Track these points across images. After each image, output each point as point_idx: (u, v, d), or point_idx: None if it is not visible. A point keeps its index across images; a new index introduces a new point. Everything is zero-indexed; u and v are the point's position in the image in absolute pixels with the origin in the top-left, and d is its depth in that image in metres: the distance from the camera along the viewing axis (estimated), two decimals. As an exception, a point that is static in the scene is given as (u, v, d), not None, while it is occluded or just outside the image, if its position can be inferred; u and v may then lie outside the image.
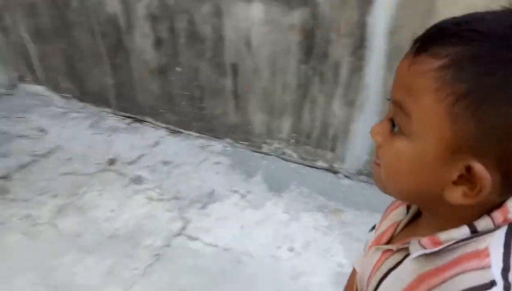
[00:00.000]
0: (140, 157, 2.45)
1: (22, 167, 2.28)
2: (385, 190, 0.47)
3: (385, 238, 0.54)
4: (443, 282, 0.40)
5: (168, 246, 1.80)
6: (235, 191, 2.18)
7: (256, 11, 2.04)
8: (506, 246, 0.39)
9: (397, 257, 0.48)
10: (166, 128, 2.75)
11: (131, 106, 2.80)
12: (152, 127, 2.77)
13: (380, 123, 0.45)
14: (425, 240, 0.43)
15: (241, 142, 2.53)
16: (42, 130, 2.66)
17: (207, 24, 2.20)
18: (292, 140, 2.36)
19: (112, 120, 2.83)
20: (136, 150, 2.51)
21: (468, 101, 0.35)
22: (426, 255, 0.43)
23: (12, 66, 3.11)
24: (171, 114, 2.68)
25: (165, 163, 2.42)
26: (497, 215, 0.39)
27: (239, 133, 2.52)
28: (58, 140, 2.55)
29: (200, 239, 1.84)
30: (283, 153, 2.44)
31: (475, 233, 0.40)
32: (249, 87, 2.30)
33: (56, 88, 3.04)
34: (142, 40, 2.45)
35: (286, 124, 2.32)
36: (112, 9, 2.42)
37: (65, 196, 2.07)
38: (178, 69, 2.45)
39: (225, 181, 2.26)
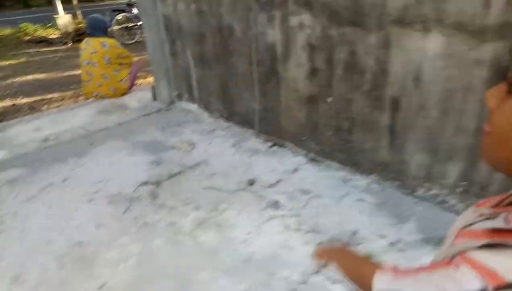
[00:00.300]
0: (278, 182, 2.36)
1: (171, 176, 2.42)
2: (489, 161, 0.47)
3: (487, 204, 0.53)
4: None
5: (305, 283, 1.61)
6: (383, 236, 1.87)
7: (433, 44, 1.78)
8: None
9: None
10: (306, 155, 2.64)
11: (274, 130, 2.78)
12: (292, 153, 2.68)
13: (497, 86, 0.45)
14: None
15: (391, 181, 2.23)
16: (191, 144, 2.83)
17: (370, 56, 2.03)
18: (459, 189, 1.95)
19: (253, 141, 2.86)
20: (275, 174, 2.43)
21: None
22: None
23: (174, 86, 3.47)
24: (313, 142, 2.56)
25: (304, 191, 2.27)
26: None
27: (389, 171, 2.22)
28: (204, 155, 2.66)
29: (342, 283, 1.60)
30: (444, 201, 2.04)
31: None
32: (411, 125, 2.01)
33: (207, 107, 3.25)
34: (296, 69, 2.42)
35: (453, 170, 1.94)
36: (272, 38, 2.47)
37: (206, 210, 2.09)
38: (329, 99, 2.32)
39: (370, 222, 1.98)
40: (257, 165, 2.55)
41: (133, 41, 8.21)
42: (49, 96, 5.04)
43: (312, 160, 2.59)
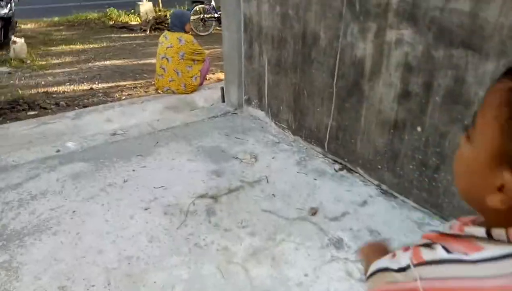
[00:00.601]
0: (344, 215, 2.12)
1: (231, 190, 2.29)
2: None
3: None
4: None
5: None
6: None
7: None
8: (494, 259, 0.41)
9: None
10: (378, 186, 2.35)
11: (345, 153, 2.53)
12: (362, 181, 2.41)
13: (468, 129, 0.50)
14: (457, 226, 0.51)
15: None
16: (254, 156, 2.68)
17: (482, 87, 1.69)
18: None
19: (320, 161, 2.63)
20: (341, 204, 2.19)
21: None
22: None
23: (245, 90, 3.34)
24: (390, 173, 2.26)
25: (372, 231, 2.00)
26: None
27: (482, 224, 1.87)
28: (266, 171, 2.50)
29: None
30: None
31: (489, 236, 0.44)
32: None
33: (275, 116, 3.07)
34: (384, 89, 2.13)
35: None
36: (361, 52, 2.21)
37: (263, 237, 1.92)
38: (418, 129, 2.01)
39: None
40: (322, 189, 2.32)
41: (207, 33, 8.28)
42: (123, 83, 5.22)
43: (385, 193, 2.30)
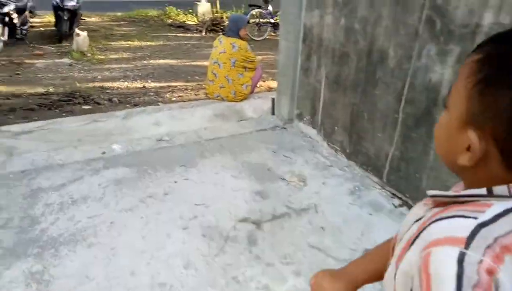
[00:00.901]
0: (402, 261, 1.85)
1: (275, 217, 2.10)
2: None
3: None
4: (441, 218, 0.48)
5: None
6: None
7: None
8: (503, 213, 0.44)
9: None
10: (443, 232, 2.05)
11: (407, 187, 2.25)
12: (425, 222, 2.12)
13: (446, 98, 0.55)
14: (449, 192, 0.53)
15: None
16: (303, 179, 2.47)
17: None
18: None
19: (376, 193, 2.37)
20: (399, 248, 1.93)
21: (479, 85, 0.46)
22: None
23: (297, 104, 3.15)
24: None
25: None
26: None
27: None
28: (315, 197, 2.28)
29: None
30: None
31: (490, 193, 0.47)
32: None
33: (328, 136, 2.85)
34: (462, 120, 1.85)
35: None
36: (438, 77, 1.93)
37: (307, 278, 1.71)
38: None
39: None
40: (378, 227, 2.06)
41: (262, 38, 8.18)
42: (175, 84, 5.22)
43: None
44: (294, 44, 2.97)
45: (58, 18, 6.74)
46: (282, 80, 3.24)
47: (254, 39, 8.00)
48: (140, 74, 5.53)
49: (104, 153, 2.58)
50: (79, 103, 4.29)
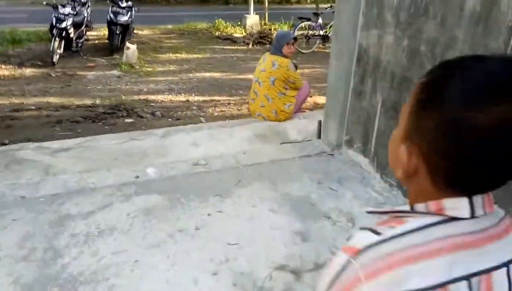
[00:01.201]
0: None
1: (318, 266, 1.82)
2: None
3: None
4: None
5: None
6: None
7: None
8: (419, 229, 0.49)
9: None
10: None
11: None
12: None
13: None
14: (381, 208, 0.59)
15: None
16: (351, 219, 2.17)
17: None
18: None
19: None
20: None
21: (419, 106, 0.51)
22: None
23: (347, 129, 2.85)
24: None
25: None
26: (431, 204, 0.51)
27: None
28: (365, 244, 1.97)
29: None
30: None
31: (413, 210, 0.53)
32: None
33: (382, 168, 2.52)
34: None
35: None
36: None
37: None
38: None
39: None
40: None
41: (310, 50, 7.92)
42: (218, 98, 5.10)
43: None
44: (347, 65, 2.69)
45: (111, 32, 6.96)
46: (331, 102, 2.96)
47: (302, 52, 7.76)
48: (184, 87, 5.49)
49: (137, 177, 2.46)
50: (122, 116, 4.29)
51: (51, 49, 6.11)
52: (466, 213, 0.49)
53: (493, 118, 0.43)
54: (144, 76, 5.92)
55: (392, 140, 0.57)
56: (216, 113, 4.55)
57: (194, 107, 4.73)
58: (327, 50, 8.28)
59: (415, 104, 0.51)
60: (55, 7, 6.30)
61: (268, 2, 12.25)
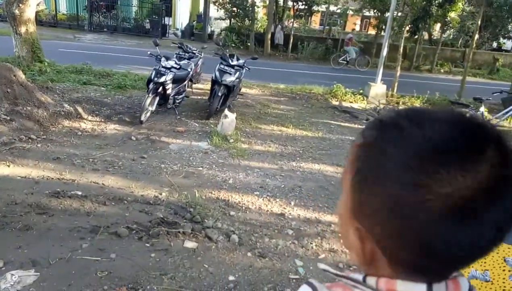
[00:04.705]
0: None
1: None
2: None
3: None
4: None
5: None
6: None
7: None
8: None
9: None
10: None
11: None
12: None
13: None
14: (335, 271, 0.52)
15: None
16: None
17: None
18: None
19: None
20: None
21: (358, 177, 0.44)
22: None
23: None
24: None
25: None
26: (382, 282, 0.45)
27: None
28: None
29: None
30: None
31: (364, 282, 0.47)
32: None
33: None
34: None
35: None
36: None
37: None
38: None
39: None
40: None
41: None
42: (327, 217, 3.43)
43: None
44: None
45: (213, 92, 5.96)
46: None
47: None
48: (282, 186, 3.96)
49: None
50: (184, 233, 2.88)
51: (142, 105, 5.28)
52: None
53: (437, 195, 0.38)
54: (236, 157, 4.59)
55: (339, 214, 0.51)
56: (323, 255, 2.86)
57: (290, 232, 3.12)
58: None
59: (355, 174, 0.45)
60: (158, 59, 5.55)
61: (403, 69, 10.37)
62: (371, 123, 0.47)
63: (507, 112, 5.90)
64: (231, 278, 2.50)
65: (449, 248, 0.40)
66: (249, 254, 2.78)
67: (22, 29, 7.06)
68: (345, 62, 14.54)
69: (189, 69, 6.14)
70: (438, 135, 0.39)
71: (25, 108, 4.69)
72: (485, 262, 1.28)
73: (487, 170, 0.38)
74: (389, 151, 0.41)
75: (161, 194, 3.45)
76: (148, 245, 2.70)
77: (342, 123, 6.73)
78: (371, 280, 0.46)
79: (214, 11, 19.21)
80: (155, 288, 2.31)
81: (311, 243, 2.99)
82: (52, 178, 3.49)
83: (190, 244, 2.79)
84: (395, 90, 9.35)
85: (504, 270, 1.21)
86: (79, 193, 3.24)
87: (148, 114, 5.43)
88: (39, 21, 13.23)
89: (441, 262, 0.42)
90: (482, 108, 5.75)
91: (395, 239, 0.41)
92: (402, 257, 0.42)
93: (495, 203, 0.38)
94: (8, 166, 3.63)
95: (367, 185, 0.43)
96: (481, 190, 0.38)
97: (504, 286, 1.21)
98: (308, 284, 0.51)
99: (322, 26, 25.82)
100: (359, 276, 0.48)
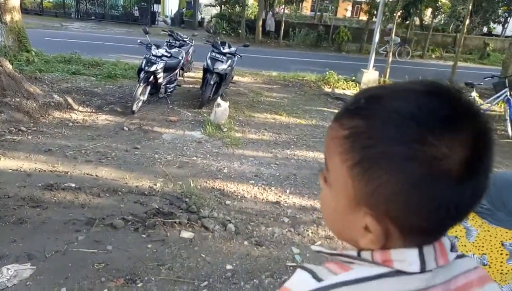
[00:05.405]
0: None
1: None
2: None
3: None
4: None
5: None
6: None
7: None
8: (361, 280, 0.46)
9: None
10: None
11: None
12: None
13: (323, 171, 0.52)
14: (328, 250, 0.54)
15: None
16: None
17: None
18: None
19: None
20: None
21: (360, 167, 0.44)
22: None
23: None
24: None
25: None
26: (377, 254, 0.47)
27: None
28: None
29: None
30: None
31: (359, 256, 0.48)
32: None
33: None
34: None
35: None
36: None
37: None
38: None
39: None
40: None
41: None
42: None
43: None
44: None
45: (204, 80, 5.90)
46: None
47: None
48: (277, 174, 3.96)
49: None
50: (180, 223, 2.88)
51: (133, 95, 5.21)
52: (415, 266, 0.46)
53: (441, 160, 0.41)
54: (230, 145, 4.57)
55: (332, 207, 0.51)
56: (319, 242, 2.88)
57: (286, 220, 3.14)
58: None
59: (354, 165, 0.45)
60: (149, 47, 5.45)
61: (395, 54, 10.36)
62: (347, 112, 0.47)
63: (498, 96, 5.95)
64: (228, 267, 2.51)
65: (454, 208, 0.43)
66: (245, 242, 2.79)
67: (7, 18, 6.86)
68: (385, 52, 14.30)
69: (180, 58, 6.05)
70: (425, 109, 0.42)
71: (13, 100, 4.60)
72: (482, 246, 1.30)
73: (470, 137, 0.42)
74: (385, 136, 0.42)
75: (155, 185, 3.43)
76: (144, 236, 2.70)
77: (335, 111, 6.58)
78: (366, 254, 0.48)
79: (204, -2, 18.90)
80: (152, 279, 2.31)
81: (307, 230, 3.01)
82: (45, 170, 3.44)
83: (186, 234, 2.79)
84: (387, 76, 9.35)
85: (501, 254, 1.23)
86: (73, 185, 3.21)
87: (140, 104, 5.36)
88: (24, 9, 12.87)
89: (442, 222, 0.45)
90: (474, 93, 5.78)
91: (414, 212, 0.43)
92: (414, 224, 0.44)
93: (478, 165, 0.43)
94: (-1, 159, 3.57)
95: (372, 174, 0.43)
96: (467, 156, 0.42)
97: (502, 270, 1.23)
98: (303, 268, 0.51)
99: (314, 12, 25.59)
100: (353, 252, 0.49)
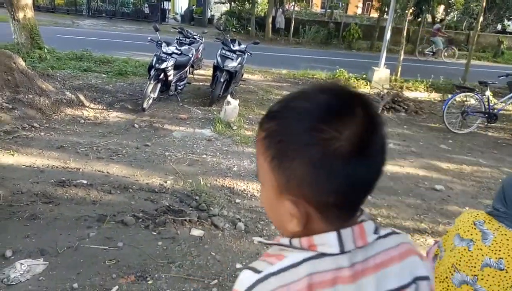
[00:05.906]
0: None
1: None
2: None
3: None
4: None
5: None
6: None
7: None
8: (292, 266, 0.54)
9: None
10: None
11: None
12: None
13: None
14: (267, 240, 0.63)
15: None
16: None
17: None
18: None
19: None
20: None
21: (276, 160, 0.53)
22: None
23: None
24: None
25: None
26: (303, 240, 0.55)
27: None
28: None
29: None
30: None
31: (291, 245, 0.56)
32: None
33: None
34: None
35: None
36: None
37: None
38: None
39: None
40: None
41: (467, 131, 5.76)
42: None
43: None
44: None
45: (214, 78, 5.89)
46: None
47: (455, 132, 5.66)
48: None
49: None
50: (190, 221, 2.89)
51: (144, 92, 5.23)
52: (335, 248, 0.53)
53: (333, 144, 0.50)
54: (240, 143, 4.57)
55: (267, 202, 0.58)
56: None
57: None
58: (490, 133, 6.00)
59: (272, 159, 0.53)
60: (159, 45, 5.46)
61: (407, 52, 10.22)
62: (266, 117, 0.56)
63: (513, 96, 5.85)
64: (238, 265, 2.51)
65: (353, 183, 0.51)
66: (255, 241, 2.79)
67: (20, 15, 6.95)
68: (431, 53, 14.15)
69: (190, 55, 6.06)
70: (320, 105, 0.51)
71: (26, 96, 4.65)
72: (499, 250, 1.27)
73: (357, 121, 0.50)
74: (290, 130, 0.51)
75: (166, 182, 3.44)
76: (155, 233, 2.71)
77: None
78: (295, 242, 0.55)
79: (214, -5, 18.89)
80: (163, 276, 2.32)
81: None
82: (57, 167, 3.48)
83: (196, 232, 2.79)
84: (398, 74, 9.24)
85: (519, 259, 1.20)
86: (84, 182, 3.24)
87: (150, 101, 5.39)
88: (36, 7, 13.04)
89: (348, 196, 0.52)
90: (488, 92, 5.68)
91: (321, 190, 0.51)
92: (325, 201, 0.51)
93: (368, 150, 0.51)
94: (12, 155, 3.61)
95: (285, 164, 0.52)
96: (355, 136, 0.50)
97: (520, 275, 1.19)
98: (246, 268, 0.57)
99: (324, 9, 25.41)
100: (286, 241, 0.56)
